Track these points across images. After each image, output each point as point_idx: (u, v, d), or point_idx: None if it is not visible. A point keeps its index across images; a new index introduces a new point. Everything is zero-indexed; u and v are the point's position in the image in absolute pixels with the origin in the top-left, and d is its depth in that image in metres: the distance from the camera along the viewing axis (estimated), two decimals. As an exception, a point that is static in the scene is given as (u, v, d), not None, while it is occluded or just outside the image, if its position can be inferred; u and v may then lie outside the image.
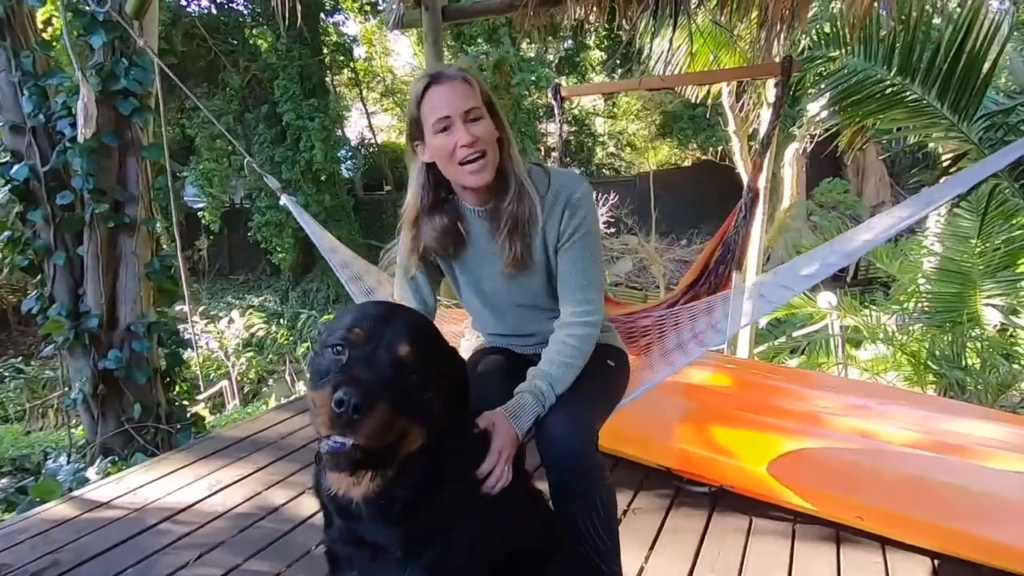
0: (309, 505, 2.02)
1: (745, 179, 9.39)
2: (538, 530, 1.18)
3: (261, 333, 11.75)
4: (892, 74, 3.08)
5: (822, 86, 3.46)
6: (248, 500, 2.05)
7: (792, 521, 1.90)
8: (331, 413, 0.78)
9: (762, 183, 2.28)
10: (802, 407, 2.17)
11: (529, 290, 1.36)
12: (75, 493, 2.12)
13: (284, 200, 2.28)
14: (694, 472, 2.04)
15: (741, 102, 7.01)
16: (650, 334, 1.99)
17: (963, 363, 4.00)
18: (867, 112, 3.33)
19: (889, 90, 3.16)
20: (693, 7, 2.37)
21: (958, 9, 2.84)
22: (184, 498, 2.06)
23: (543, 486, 1.25)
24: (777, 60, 2.21)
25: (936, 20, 3.16)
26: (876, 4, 2.23)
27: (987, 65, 2.77)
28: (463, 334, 1.80)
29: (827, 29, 3.41)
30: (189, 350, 3.79)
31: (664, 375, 1.58)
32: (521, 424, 1.16)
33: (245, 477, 2.21)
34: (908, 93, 3.08)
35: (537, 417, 1.19)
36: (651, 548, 1.79)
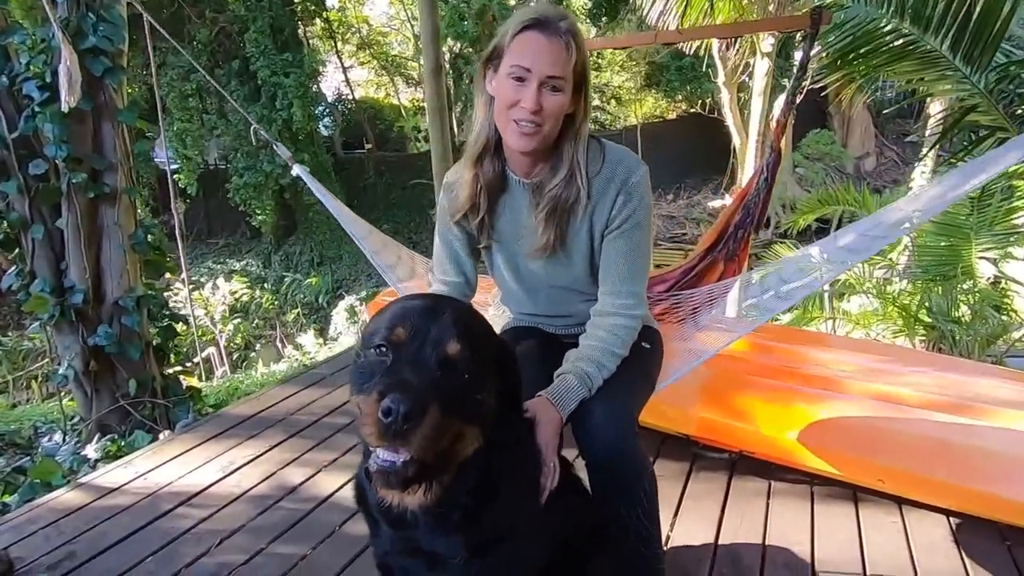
0: (328, 483, 1.99)
1: (734, 132, 9.24)
2: (584, 518, 1.16)
3: (245, 298, 11.56)
4: (906, 24, 2.97)
5: (829, 38, 3.32)
6: (264, 481, 2.01)
7: (809, 483, 1.93)
8: (379, 424, 0.71)
9: (783, 144, 2.20)
10: (819, 371, 2.16)
11: (569, 273, 1.28)
12: (83, 479, 2.06)
13: (297, 170, 2.14)
14: (714, 438, 2.05)
15: (731, 52, 6.83)
16: (674, 300, 1.95)
17: (954, 316, 4.07)
18: (875, 64, 3.23)
19: (900, 41, 3.05)
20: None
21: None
22: (197, 481, 2.01)
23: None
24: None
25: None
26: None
27: (1006, 10, 2.67)
28: (488, 305, 1.73)
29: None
30: (182, 323, 3.68)
31: (706, 355, 1.54)
32: (566, 408, 1.12)
33: (258, 457, 2.16)
34: (920, 43, 2.98)
35: (582, 400, 1.14)
36: (675, 515, 1.81)
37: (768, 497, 1.89)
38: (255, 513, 1.84)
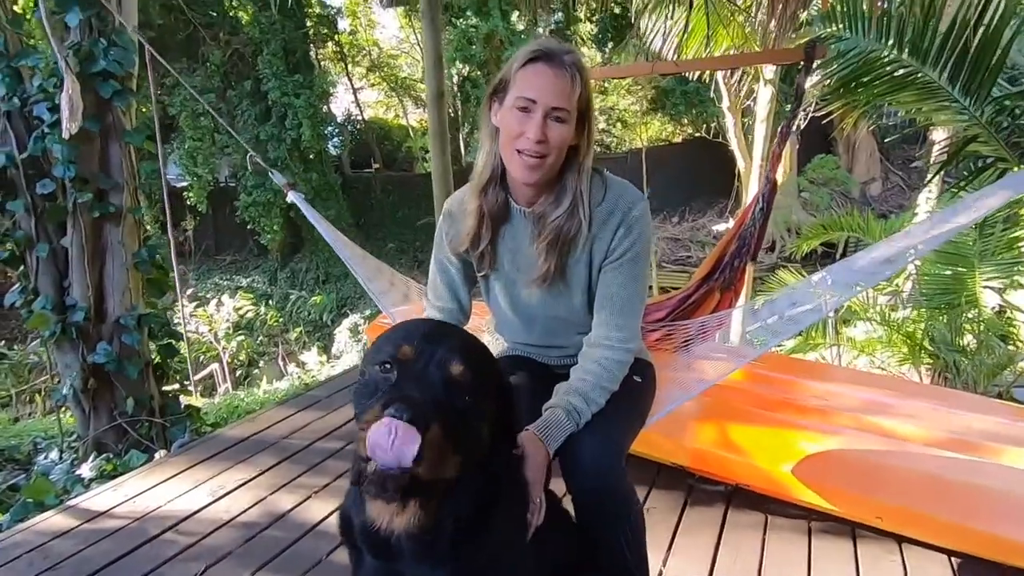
0: (317, 510, 1.96)
1: (739, 156, 9.29)
2: (568, 552, 1.14)
3: (250, 315, 11.61)
4: (904, 55, 2.99)
5: (831, 67, 3.34)
6: (253, 506, 1.98)
7: (807, 518, 1.89)
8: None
9: (780, 174, 2.21)
10: (818, 403, 2.13)
11: (566, 304, 1.28)
12: (72, 501, 2.04)
13: (292, 197, 2.16)
14: (709, 470, 2.02)
15: (735, 78, 6.89)
16: (668, 329, 1.94)
17: (959, 345, 4.02)
18: (876, 94, 3.24)
19: (900, 71, 3.07)
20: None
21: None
22: (186, 505, 1.99)
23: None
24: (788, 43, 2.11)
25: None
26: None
27: (1003, 44, 2.68)
28: (483, 331, 1.73)
29: (838, 7, 3.29)
30: (182, 341, 3.69)
31: (704, 385, 1.52)
32: (553, 443, 1.11)
33: (248, 481, 2.14)
34: (919, 75, 3.00)
35: (570, 434, 1.13)
36: (668, 549, 1.77)
37: (764, 532, 1.85)
38: (242, 540, 1.81)
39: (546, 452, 1.08)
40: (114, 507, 1.99)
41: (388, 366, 0.81)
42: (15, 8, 3.33)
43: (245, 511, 1.96)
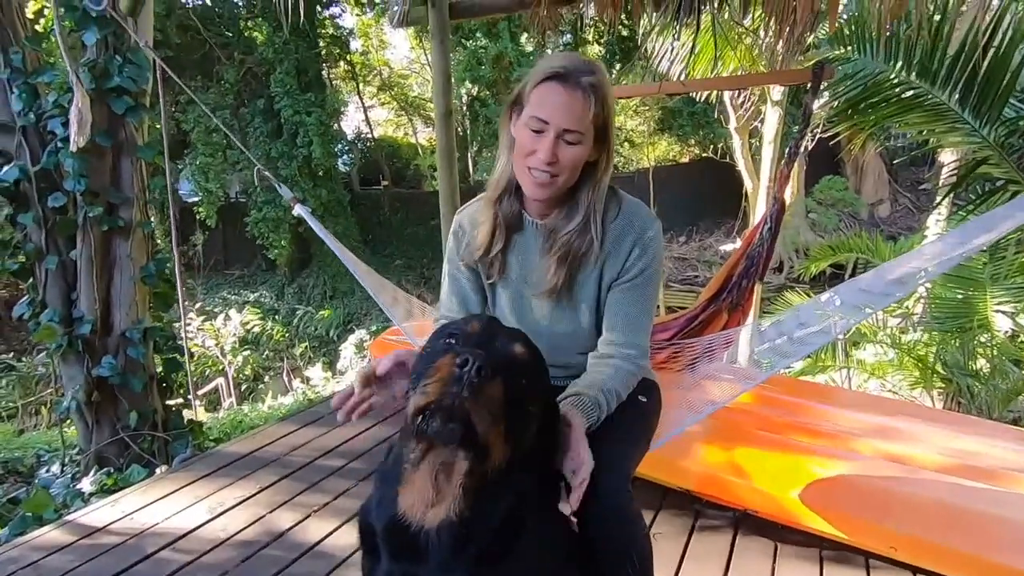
0: (316, 530, 1.93)
1: (746, 177, 9.31)
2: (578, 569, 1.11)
3: (257, 329, 11.64)
4: (912, 77, 3.00)
5: (839, 88, 3.35)
6: (251, 525, 1.95)
7: (819, 546, 1.83)
8: (451, 373, 0.74)
9: (788, 195, 2.20)
10: (828, 427, 2.09)
11: (573, 320, 1.26)
12: (70, 516, 2.02)
13: (298, 210, 2.18)
14: (716, 496, 1.97)
15: (742, 99, 6.94)
16: (674, 349, 1.91)
17: (972, 369, 3.95)
18: (885, 115, 3.24)
19: (909, 93, 3.07)
20: (716, 6, 2.27)
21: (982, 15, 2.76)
22: (184, 523, 1.96)
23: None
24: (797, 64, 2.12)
25: (958, 28, 3.05)
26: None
27: (1013, 65, 2.68)
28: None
29: (846, 29, 3.31)
30: (188, 356, 3.68)
31: (712, 407, 1.49)
32: (587, 418, 1.07)
33: (248, 499, 2.11)
34: (928, 96, 2.99)
35: (590, 427, 1.09)
36: (675, 576, 1.73)
37: (774, 560, 1.80)
38: (240, 559, 1.78)
39: (584, 420, 1.05)
40: (112, 523, 1.96)
41: (453, 340, 0.85)
42: (36, 27, 3.42)
43: (243, 530, 1.93)
